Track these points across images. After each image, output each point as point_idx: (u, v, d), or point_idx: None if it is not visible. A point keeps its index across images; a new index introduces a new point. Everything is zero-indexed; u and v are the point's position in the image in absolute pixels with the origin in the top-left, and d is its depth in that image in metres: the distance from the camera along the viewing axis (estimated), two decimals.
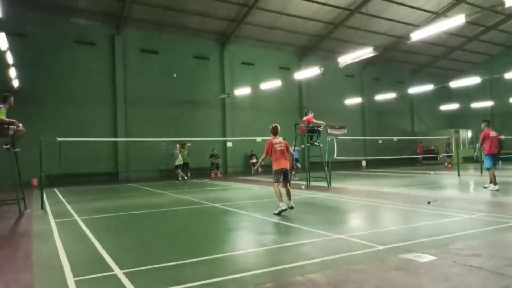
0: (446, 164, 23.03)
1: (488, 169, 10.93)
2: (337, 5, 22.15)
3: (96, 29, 20.18)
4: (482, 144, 11.03)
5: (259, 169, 8.76)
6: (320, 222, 6.75)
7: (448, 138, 22.98)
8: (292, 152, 8.30)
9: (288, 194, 8.12)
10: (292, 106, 26.12)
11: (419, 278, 3.69)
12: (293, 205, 8.08)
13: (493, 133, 10.96)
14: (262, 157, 8.33)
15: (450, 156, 23.08)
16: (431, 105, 33.26)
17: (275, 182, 7.95)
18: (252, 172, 8.72)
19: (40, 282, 3.95)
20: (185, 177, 17.55)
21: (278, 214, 7.38)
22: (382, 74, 30.89)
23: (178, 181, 17.12)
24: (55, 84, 18.89)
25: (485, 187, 10.86)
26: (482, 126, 11.12)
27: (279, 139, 8.18)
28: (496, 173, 10.91)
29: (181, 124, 21.80)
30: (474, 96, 30.98)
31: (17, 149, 8.95)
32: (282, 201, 7.55)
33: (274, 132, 8.26)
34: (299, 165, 18.91)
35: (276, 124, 8.39)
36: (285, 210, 7.46)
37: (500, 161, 25.74)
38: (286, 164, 7.97)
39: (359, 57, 15.36)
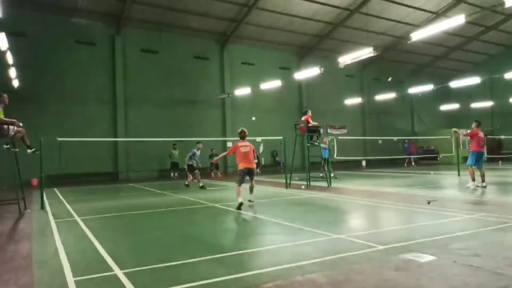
0: (406, 162, 23.01)
1: (469, 165, 11.19)
2: (337, 5, 22.15)
3: (96, 29, 20.18)
4: (470, 139, 11.43)
5: (217, 163, 9.75)
6: (320, 222, 6.75)
7: (406, 140, 22.41)
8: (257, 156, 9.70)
9: (251, 189, 9.11)
10: (292, 106, 26.12)
11: (419, 278, 3.69)
12: (252, 200, 9.03)
13: (481, 134, 11.29)
14: (224, 153, 9.95)
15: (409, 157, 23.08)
16: (431, 105, 33.24)
17: (238, 182, 8.82)
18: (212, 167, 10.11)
19: (40, 282, 3.95)
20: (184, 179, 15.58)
21: (239, 208, 8.22)
22: (382, 74, 30.89)
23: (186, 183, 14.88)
24: (55, 84, 18.89)
25: (467, 187, 11.07)
26: (473, 125, 11.43)
27: (246, 143, 9.01)
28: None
29: (181, 124, 21.80)
30: (474, 96, 30.97)
31: (17, 149, 8.96)
32: (241, 196, 8.51)
33: (242, 136, 9.08)
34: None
35: (244, 129, 9.18)
36: (242, 204, 8.28)
37: (500, 161, 25.83)
38: (250, 164, 8.89)
39: (359, 57, 15.37)
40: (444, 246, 4.74)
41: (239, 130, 9.20)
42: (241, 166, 8.86)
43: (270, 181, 16.19)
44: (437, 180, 15.07)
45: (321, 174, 15.62)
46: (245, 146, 8.92)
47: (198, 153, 14.02)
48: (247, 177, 8.94)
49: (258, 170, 22.99)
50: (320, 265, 4.18)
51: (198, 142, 14.43)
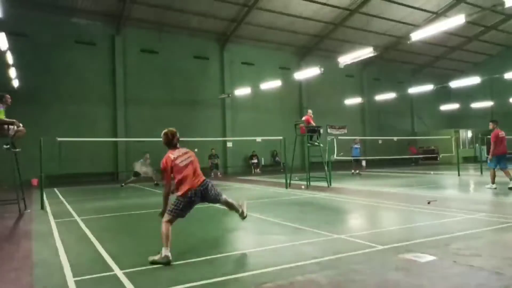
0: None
1: (491, 168, 10.84)
2: (337, 5, 22.15)
3: (96, 29, 20.17)
4: (495, 145, 10.65)
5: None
6: (320, 222, 6.74)
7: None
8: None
9: (231, 206, 5.62)
10: (292, 106, 26.13)
11: (419, 278, 3.69)
12: (245, 215, 5.67)
13: (502, 133, 10.74)
14: (167, 187, 4.78)
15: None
16: (431, 105, 33.26)
17: (170, 215, 4.64)
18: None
19: (40, 282, 3.95)
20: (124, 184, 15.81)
21: (155, 263, 4.35)
22: (382, 74, 30.90)
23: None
24: (55, 84, 18.89)
25: (487, 187, 10.81)
26: (491, 126, 10.86)
27: (182, 150, 4.92)
28: (496, 173, 10.86)
29: (181, 124, 21.63)
30: (474, 96, 30.98)
31: (17, 149, 8.95)
32: (167, 246, 4.44)
33: (169, 142, 4.93)
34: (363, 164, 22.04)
35: (171, 130, 4.97)
36: (170, 262, 4.35)
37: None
38: (197, 182, 4.78)
39: (359, 57, 15.36)
40: (444, 246, 4.74)
41: (166, 132, 4.94)
42: (183, 189, 4.68)
43: (270, 181, 16.18)
44: (437, 180, 15.07)
45: (353, 171, 18.47)
46: (182, 155, 4.84)
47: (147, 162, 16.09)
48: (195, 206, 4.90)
49: (258, 170, 23.08)
50: (320, 265, 4.17)
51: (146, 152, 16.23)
